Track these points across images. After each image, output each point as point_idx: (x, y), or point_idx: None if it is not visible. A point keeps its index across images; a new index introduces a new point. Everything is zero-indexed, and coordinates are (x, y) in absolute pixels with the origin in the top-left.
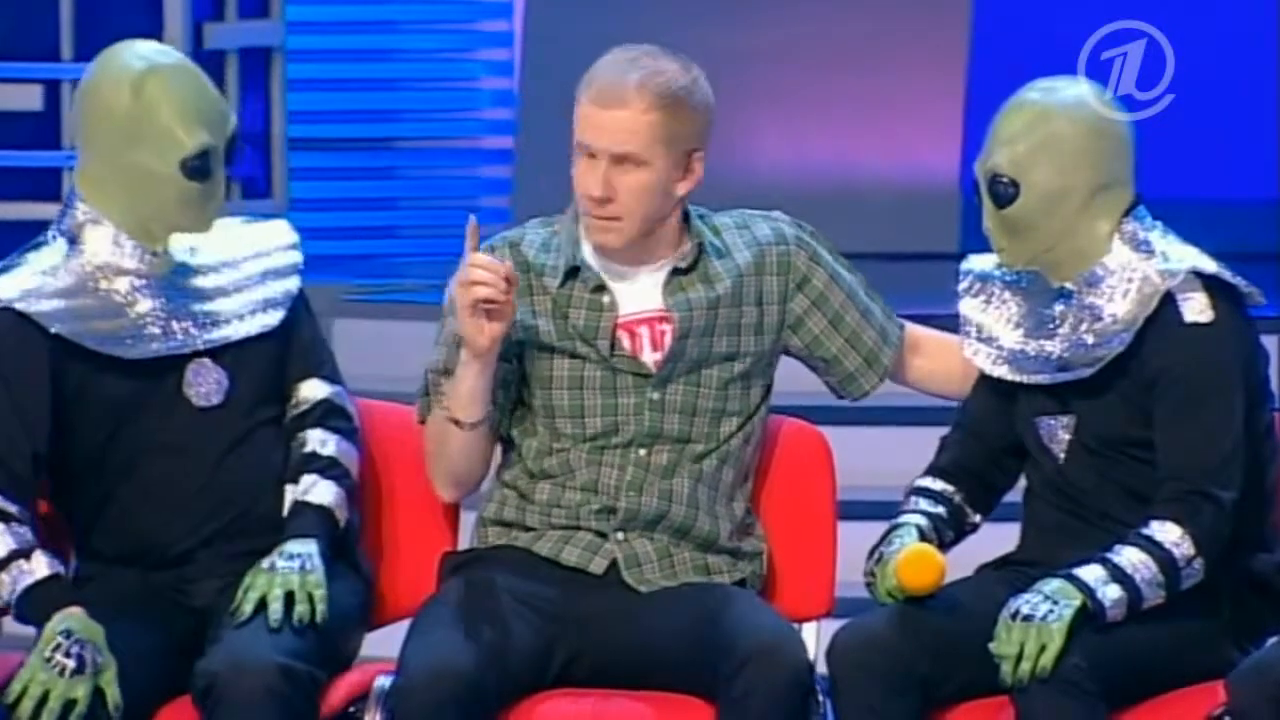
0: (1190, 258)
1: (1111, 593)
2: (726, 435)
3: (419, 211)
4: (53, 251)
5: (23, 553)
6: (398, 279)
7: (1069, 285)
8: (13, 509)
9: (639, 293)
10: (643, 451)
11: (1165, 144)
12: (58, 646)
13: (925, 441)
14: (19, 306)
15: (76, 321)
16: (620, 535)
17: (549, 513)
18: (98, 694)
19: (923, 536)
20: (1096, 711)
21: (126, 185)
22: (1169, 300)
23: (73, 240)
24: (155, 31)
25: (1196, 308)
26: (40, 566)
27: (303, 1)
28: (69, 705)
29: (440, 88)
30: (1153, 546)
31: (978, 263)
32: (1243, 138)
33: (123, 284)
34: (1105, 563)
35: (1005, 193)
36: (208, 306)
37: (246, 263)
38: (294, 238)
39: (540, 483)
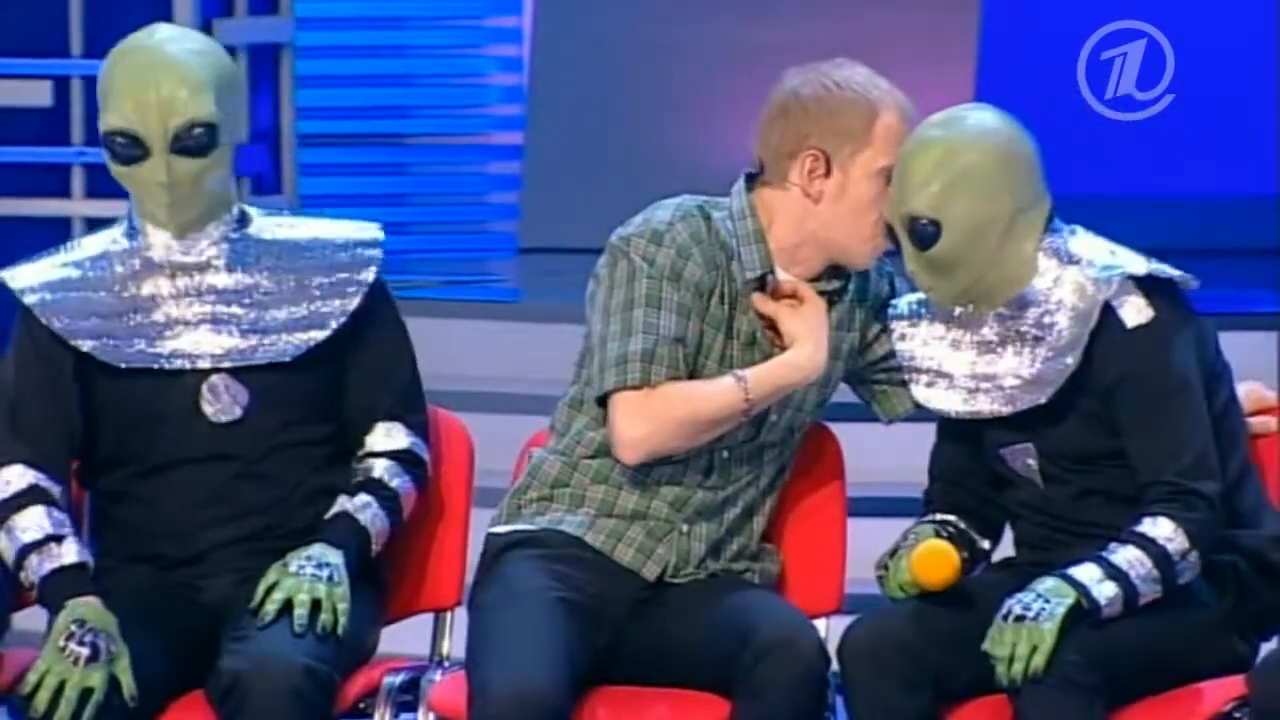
0: (1114, 259)
1: (1106, 590)
2: (794, 443)
3: (428, 208)
4: (104, 238)
5: (56, 537)
6: (407, 275)
7: (1002, 310)
8: (55, 491)
9: None
10: (726, 453)
11: (1165, 141)
12: (71, 635)
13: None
14: (29, 302)
15: (84, 321)
16: (685, 527)
17: (617, 497)
18: (113, 683)
19: (939, 537)
20: (1094, 707)
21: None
22: (1107, 309)
23: (134, 229)
24: None
25: (1134, 311)
26: (69, 553)
27: None
28: (85, 694)
29: (450, 84)
30: (1147, 543)
31: (903, 304)
32: (1243, 140)
33: (159, 285)
34: (1100, 561)
35: (927, 234)
36: (241, 321)
37: (309, 279)
38: (377, 253)
39: (632, 471)
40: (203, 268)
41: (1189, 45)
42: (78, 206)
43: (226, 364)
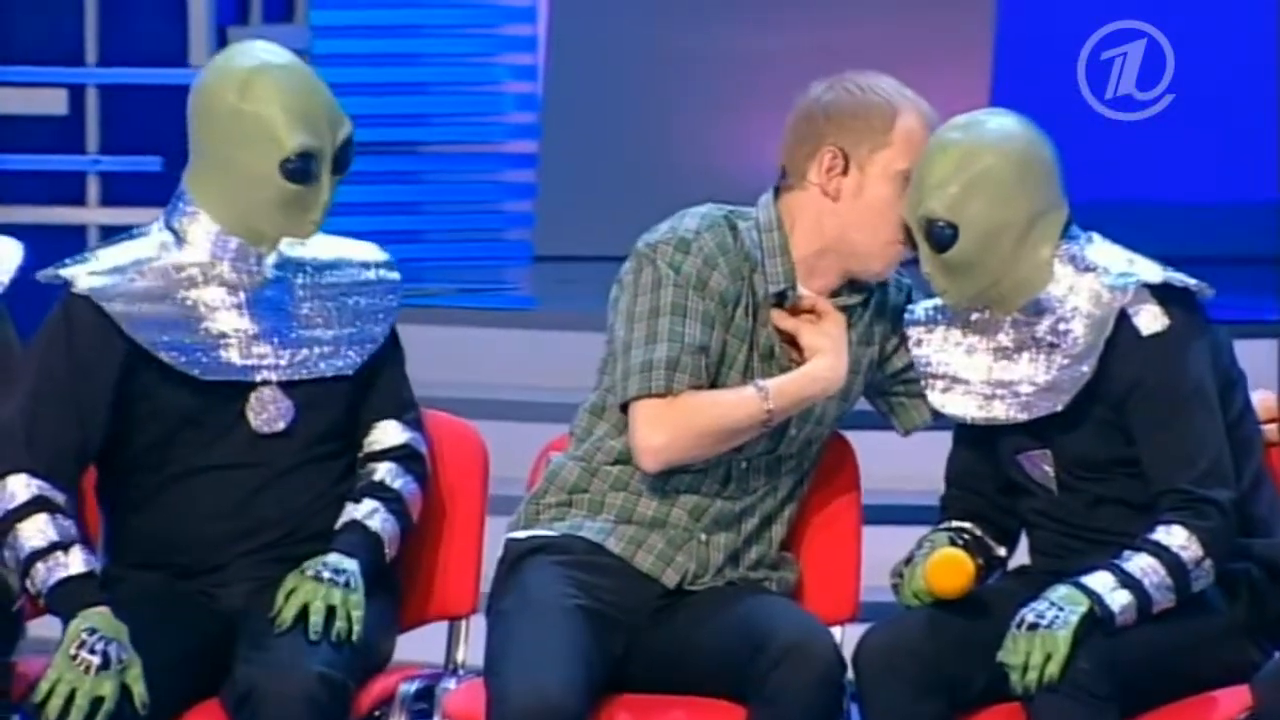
0: (1131, 267)
1: (1120, 598)
2: (812, 455)
3: (444, 216)
4: (150, 243)
5: (62, 545)
6: (422, 283)
7: (1018, 315)
8: (59, 499)
9: None
10: (745, 464)
11: (1165, 143)
12: (82, 644)
13: (950, 447)
14: (102, 304)
15: (155, 330)
16: (704, 536)
17: (636, 504)
18: (125, 692)
19: (954, 545)
20: (1107, 715)
21: (229, 186)
22: (1122, 317)
23: (177, 236)
24: (180, 36)
25: (1150, 319)
26: (76, 561)
27: (328, 6)
28: (96, 703)
29: (464, 92)
30: (1160, 551)
31: (920, 309)
32: (1242, 140)
33: (214, 294)
34: (1113, 569)
35: (944, 235)
36: (296, 334)
37: (348, 294)
38: (396, 275)
39: (652, 478)
40: (254, 280)
41: (1189, 45)
42: (93, 214)
43: (292, 374)
